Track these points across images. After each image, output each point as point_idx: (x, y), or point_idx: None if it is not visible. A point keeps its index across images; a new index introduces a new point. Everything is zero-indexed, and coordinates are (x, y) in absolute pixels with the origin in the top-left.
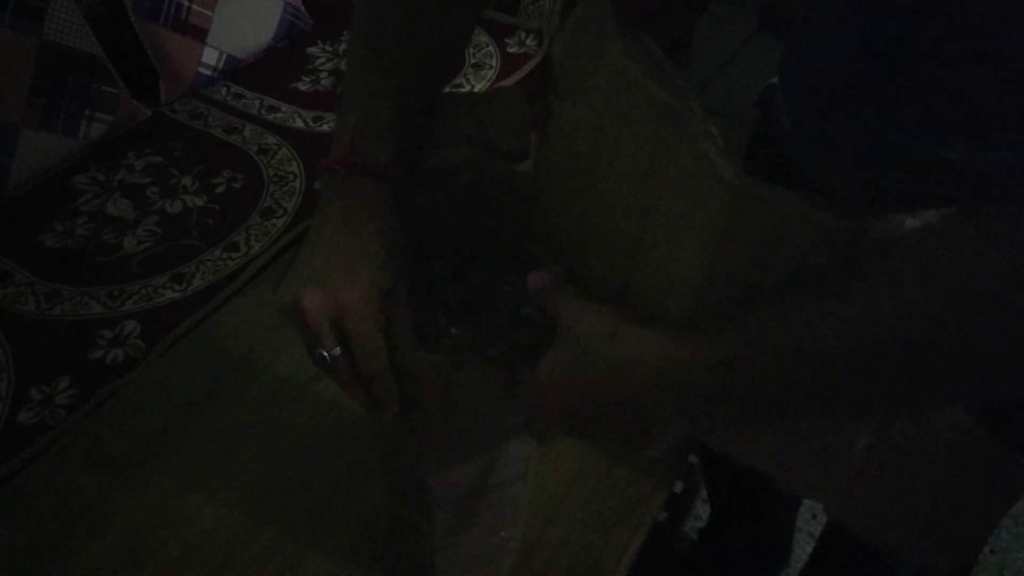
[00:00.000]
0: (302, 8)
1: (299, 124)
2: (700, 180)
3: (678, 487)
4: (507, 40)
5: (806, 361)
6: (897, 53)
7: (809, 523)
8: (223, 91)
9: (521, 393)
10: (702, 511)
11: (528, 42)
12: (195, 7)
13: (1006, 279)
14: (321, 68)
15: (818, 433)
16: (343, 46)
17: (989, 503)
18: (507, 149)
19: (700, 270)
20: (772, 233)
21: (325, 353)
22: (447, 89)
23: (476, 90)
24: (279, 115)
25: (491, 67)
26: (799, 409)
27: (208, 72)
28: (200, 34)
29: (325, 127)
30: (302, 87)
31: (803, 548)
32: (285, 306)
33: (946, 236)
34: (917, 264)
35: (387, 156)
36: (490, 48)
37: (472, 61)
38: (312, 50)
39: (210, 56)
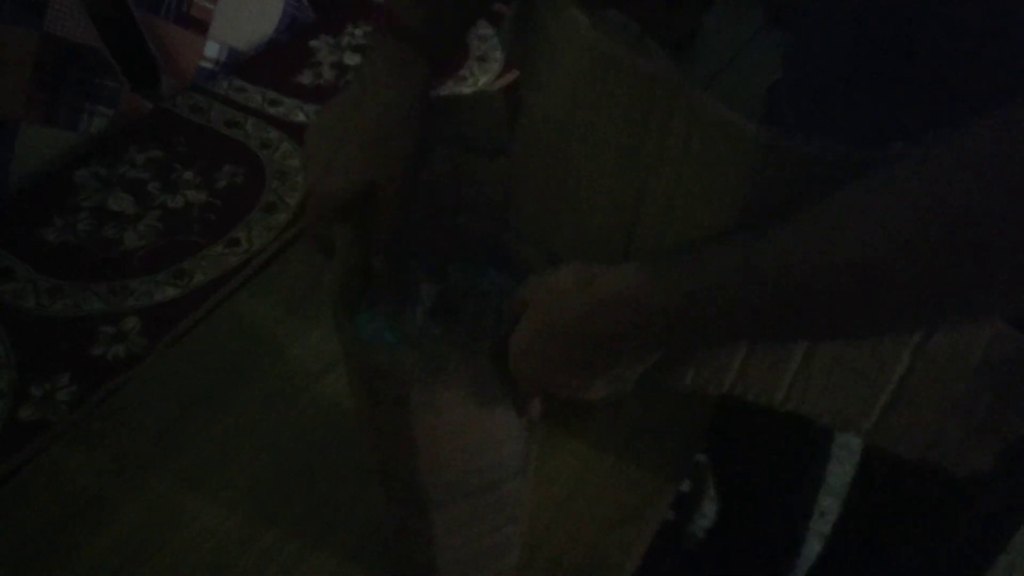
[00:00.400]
0: (304, 1)
1: (301, 118)
2: (715, 142)
3: (685, 486)
4: None
5: (775, 287)
6: (894, 48)
7: (816, 522)
8: (225, 85)
9: (508, 388)
10: (709, 510)
11: None
12: (196, 0)
13: (975, 200)
14: (323, 61)
15: (855, 360)
16: (346, 39)
17: None
18: (486, 146)
19: (723, 229)
20: (800, 182)
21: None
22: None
23: (481, 83)
24: (281, 109)
25: (496, 59)
26: (777, 334)
27: (210, 66)
28: (202, 27)
29: None
30: (304, 80)
31: (810, 547)
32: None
33: (915, 161)
34: (883, 187)
35: (416, 21)
36: (495, 40)
37: (477, 54)
38: (314, 43)
39: (212, 49)
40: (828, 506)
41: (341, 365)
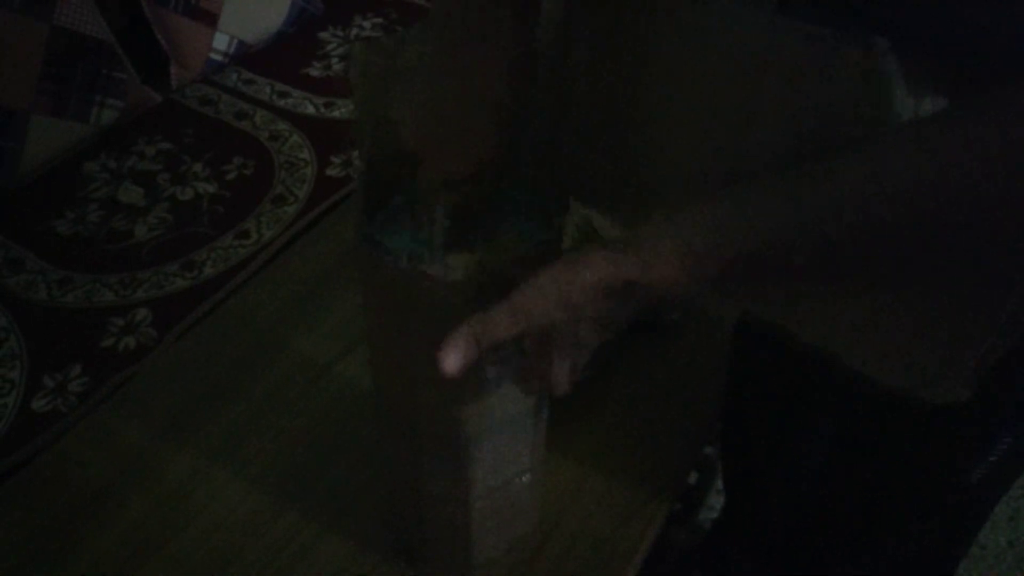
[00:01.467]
0: None
1: (310, 110)
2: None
3: (692, 478)
4: None
5: (807, 227)
6: (895, 40)
7: None
8: (234, 77)
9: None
10: (715, 502)
11: None
12: None
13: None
14: (332, 53)
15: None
16: (354, 31)
17: (980, 327)
18: None
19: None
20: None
21: None
22: None
23: None
24: (290, 101)
25: None
26: (814, 275)
27: (219, 58)
28: (211, 19)
29: (336, 113)
30: (313, 72)
31: None
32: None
33: (963, 112)
34: (929, 138)
35: None
36: None
37: None
38: (323, 35)
39: (220, 41)
40: None
41: (349, 356)
